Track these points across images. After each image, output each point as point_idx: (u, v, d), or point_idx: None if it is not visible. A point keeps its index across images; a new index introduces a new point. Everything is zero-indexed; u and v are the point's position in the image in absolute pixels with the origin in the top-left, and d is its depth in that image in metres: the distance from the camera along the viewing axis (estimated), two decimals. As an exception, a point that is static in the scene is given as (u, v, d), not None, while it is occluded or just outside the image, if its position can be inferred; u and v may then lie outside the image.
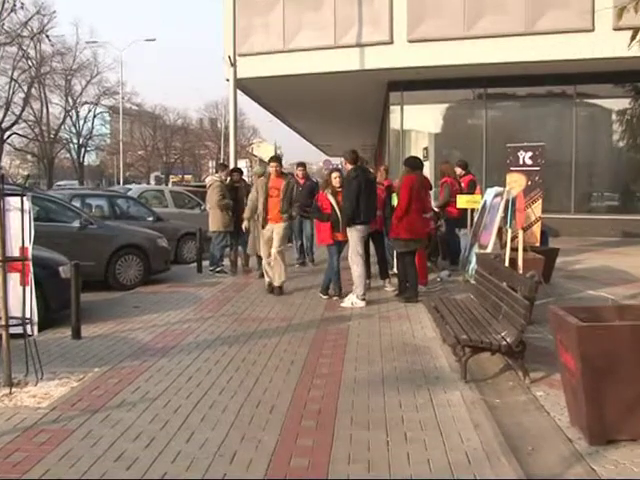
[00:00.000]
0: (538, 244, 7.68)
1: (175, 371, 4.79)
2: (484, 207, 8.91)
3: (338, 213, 7.65)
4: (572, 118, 15.20)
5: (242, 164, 27.29)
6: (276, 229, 8.13)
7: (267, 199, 8.15)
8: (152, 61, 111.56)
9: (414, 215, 7.49)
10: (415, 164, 7.82)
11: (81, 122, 42.89)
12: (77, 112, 42.51)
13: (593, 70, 13.90)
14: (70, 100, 40.78)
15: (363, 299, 7.46)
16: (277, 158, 8.73)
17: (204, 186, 13.37)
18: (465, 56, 13.65)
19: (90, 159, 51.49)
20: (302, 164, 11.23)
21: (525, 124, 15.48)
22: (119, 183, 39.65)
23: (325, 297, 7.88)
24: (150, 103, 62.00)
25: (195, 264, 10.59)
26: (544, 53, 13.15)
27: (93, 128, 44.67)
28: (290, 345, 5.60)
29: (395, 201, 8.10)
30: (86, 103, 42.39)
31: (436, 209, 10.09)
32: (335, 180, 7.82)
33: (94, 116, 44.15)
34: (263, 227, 8.14)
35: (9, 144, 37.26)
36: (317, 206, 7.98)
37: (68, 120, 41.67)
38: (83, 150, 43.31)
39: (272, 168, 8.43)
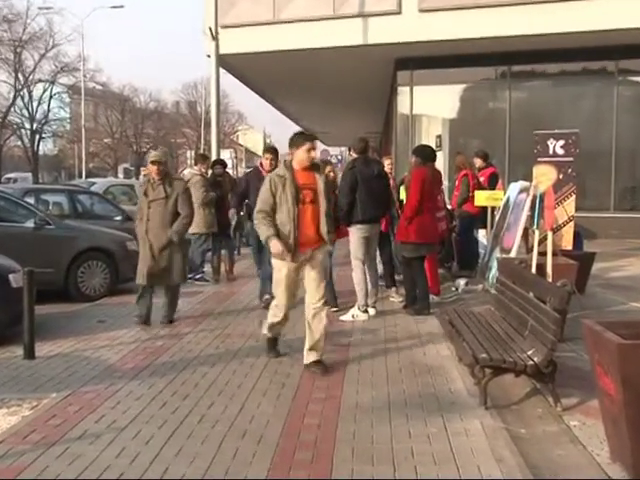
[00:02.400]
0: (570, 247, 7.70)
1: (147, 396, 4.77)
2: (507, 205, 8.93)
3: (331, 211, 7.73)
4: (613, 99, 15.19)
5: (226, 155, 27.33)
6: (315, 260, 5.47)
7: (296, 207, 5.34)
8: (119, 32, 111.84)
9: (426, 215, 7.51)
10: (427, 154, 7.84)
11: (34, 104, 42.51)
12: (29, 92, 42.23)
13: (639, 42, 13.80)
14: (20, 77, 40.45)
15: (365, 311, 7.47)
16: (311, 137, 5.71)
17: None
18: (486, 28, 13.62)
19: (46, 148, 51.46)
20: (272, 149, 8.65)
21: (556, 107, 15.52)
22: (81, 176, 39.59)
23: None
24: (117, 82, 61.90)
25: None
26: (579, 22, 13.04)
27: (49, 111, 44.22)
28: (281, 365, 5.59)
29: (403, 196, 8.12)
30: (40, 81, 42.13)
31: (450, 207, 10.12)
32: (328, 174, 7.90)
33: (50, 97, 43.81)
34: (293, 258, 5.35)
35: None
36: None
37: (19, 101, 41.32)
38: (37, 137, 43.02)
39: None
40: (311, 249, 5.40)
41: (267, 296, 7.63)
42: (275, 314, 5.58)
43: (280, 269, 5.40)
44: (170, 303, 7.31)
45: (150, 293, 7.23)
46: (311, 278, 5.43)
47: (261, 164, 8.34)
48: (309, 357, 5.45)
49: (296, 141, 5.41)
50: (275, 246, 5.23)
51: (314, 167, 5.48)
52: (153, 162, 7.10)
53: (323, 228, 5.41)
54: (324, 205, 5.39)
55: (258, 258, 8.40)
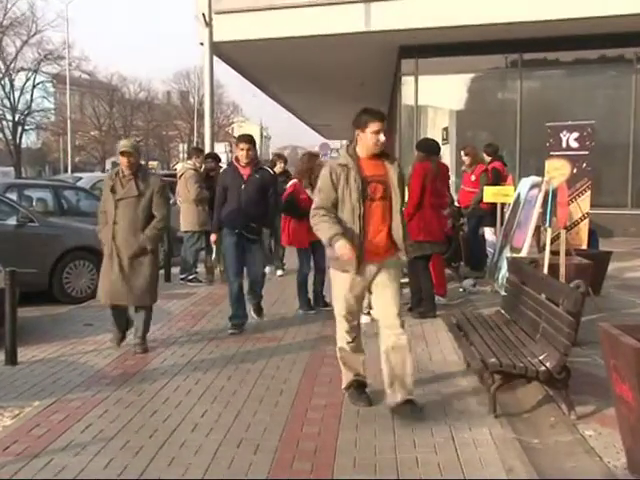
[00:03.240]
0: (585, 246, 7.70)
1: (137, 404, 4.77)
2: (517, 201, 8.94)
3: None
4: (631, 89, 15.16)
5: (220, 148, 27.30)
6: (388, 273, 4.56)
7: (363, 205, 4.45)
8: (107, 18, 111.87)
9: (429, 212, 7.50)
10: (430, 148, 7.82)
11: (16, 94, 42.47)
12: (11, 81, 42.29)
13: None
14: (1, 65, 40.51)
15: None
16: (379, 115, 4.59)
17: (174, 175, 13.37)
18: (496, 13, 13.57)
19: (29, 140, 51.46)
20: (246, 138, 7.10)
21: (570, 98, 15.52)
22: (66, 171, 39.64)
23: (311, 312, 7.90)
24: (105, 71, 61.82)
25: (162, 271, 10.56)
26: (595, 7, 12.97)
27: (32, 101, 44.15)
28: (279, 371, 5.60)
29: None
30: (22, 70, 42.20)
31: (457, 204, 10.10)
32: (318, 168, 7.80)
33: (33, 86, 43.78)
34: (357, 269, 4.46)
35: None
36: (292, 200, 7.84)
37: (0, 91, 41.41)
38: (20, 129, 43.02)
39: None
40: (381, 260, 4.45)
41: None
42: (343, 336, 4.72)
43: (340, 284, 4.49)
44: (143, 326, 6.33)
45: (123, 312, 6.43)
46: (384, 297, 4.51)
47: (236, 159, 7.02)
48: (394, 397, 4.48)
49: (361, 120, 4.45)
50: (343, 247, 4.26)
51: (384, 154, 4.54)
52: (123, 153, 6.12)
53: (397, 232, 4.48)
54: (398, 202, 4.46)
55: (233, 269, 7.09)
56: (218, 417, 4.51)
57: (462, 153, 10.42)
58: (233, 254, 6.98)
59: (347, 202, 4.42)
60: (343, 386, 4.85)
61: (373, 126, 4.42)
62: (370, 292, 4.63)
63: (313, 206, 4.53)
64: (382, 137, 4.42)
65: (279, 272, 10.65)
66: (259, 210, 6.89)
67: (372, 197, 4.44)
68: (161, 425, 4.36)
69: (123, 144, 6.29)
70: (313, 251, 7.85)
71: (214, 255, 9.82)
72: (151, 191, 6.12)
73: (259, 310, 7.52)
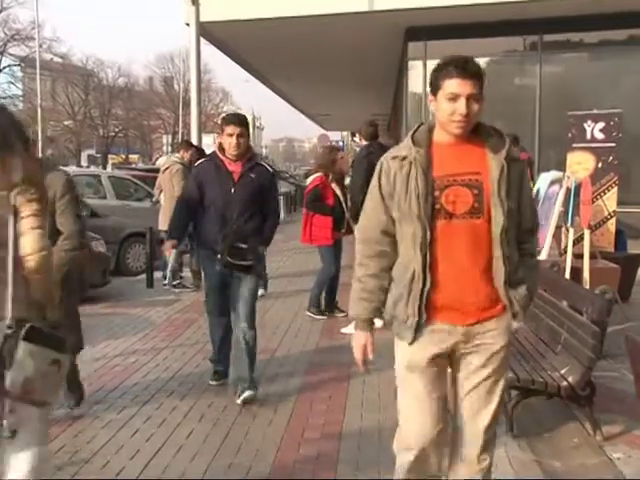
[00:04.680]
0: (612, 249, 7.70)
1: (116, 422, 4.77)
2: (536, 198, 8.93)
3: (344, 206, 7.91)
4: (664, 74, 15.13)
5: (209, 140, 27.27)
6: (485, 348, 2.95)
7: (428, 227, 2.87)
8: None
9: None
10: None
11: (-20, 78, 42.81)
12: (-26, 64, 42.40)
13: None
14: (-38, 46, 40.57)
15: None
16: (471, 64, 2.88)
17: (157, 170, 13.38)
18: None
19: (-4, 131, 51.36)
20: (237, 119, 5.42)
21: (595, 84, 15.50)
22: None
23: (319, 317, 8.02)
24: (80, 54, 62.27)
25: (144, 276, 10.56)
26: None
27: (-2, 87, 44.51)
28: (273, 386, 5.61)
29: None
30: (-14, 52, 42.28)
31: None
32: (343, 161, 8.13)
33: (-1, 70, 44.06)
34: (416, 337, 2.97)
35: None
36: (318, 194, 8.13)
37: (-39, 75, 41.52)
38: (-15, 118, 43.12)
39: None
40: (470, 322, 2.87)
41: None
42: (402, 447, 3.03)
43: (399, 359, 3.03)
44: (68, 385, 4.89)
45: None
46: (470, 397, 2.96)
47: (221, 149, 5.38)
48: None
49: (436, 78, 2.83)
50: (356, 342, 3.05)
51: (485, 135, 2.91)
52: None
53: (499, 274, 2.84)
54: (502, 222, 2.80)
55: (216, 309, 5.65)
56: (205, 438, 4.50)
57: None
58: (215, 288, 5.52)
59: (406, 224, 2.86)
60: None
61: (450, 85, 2.76)
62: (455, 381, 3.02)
63: (357, 234, 3.11)
64: (476, 105, 2.78)
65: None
66: (254, 224, 5.34)
67: (449, 212, 2.80)
68: (143, 446, 4.36)
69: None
70: (336, 249, 8.15)
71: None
72: (52, 195, 4.32)
73: (250, 389, 5.30)
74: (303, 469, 4.01)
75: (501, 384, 2.95)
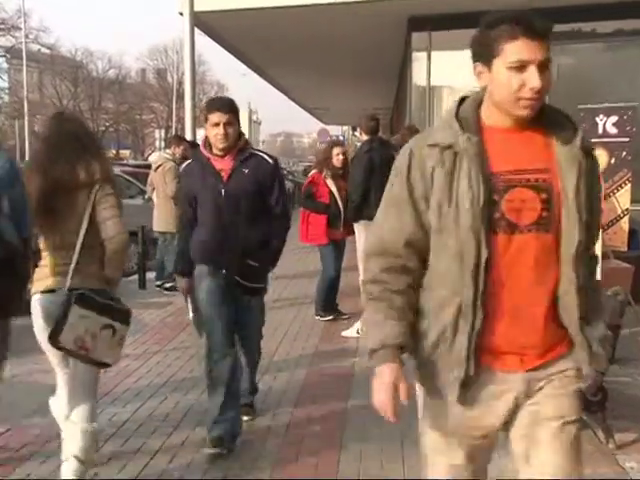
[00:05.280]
0: (625, 248, 7.69)
1: (106, 431, 4.75)
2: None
3: (339, 204, 7.85)
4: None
5: (203, 134, 27.37)
6: (555, 399, 2.32)
7: (484, 242, 2.15)
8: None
9: None
10: None
11: (-37, 70, 42.77)
12: (-43, 55, 42.41)
13: None
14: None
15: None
16: (541, 25, 2.16)
17: (149, 166, 13.36)
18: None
19: (-21, 124, 51.42)
20: (223, 104, 4.54)
21: (608, 75, 15.47)
22: (23, 159, 39.56)
23: (325, 319, 8.05)
24: (68, 45, 62.30)
25: (136, 277, 10.56)
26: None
27: (-19, 80, 44.56)
28: (271, 391, 5.60)
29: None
30: (-31, 43, 42.26)
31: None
32: (337, 158, 8.05)
33: (-17, 62, 44.08)
34: (465, 388, 2.23)
35: None
36: (311, 192, 8.15)
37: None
38: (-32, 111, 43.20)
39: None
40: (530, 367, 2.24)
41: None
42: None
43: (431, 420, 2.43)
44: None
45: None
46: (539, 463, 2.34)
47: (206, 144, 4.57)
48: None
49: (495, 37, 2.20)
50: (382, 381, 2.25)
51: (552, 118, 2.25)
52: None
53: (571, 306, 2.22)
54: (577, 235, 2.17)
55: (219, 340, 4.56)
56: (201, 443, 4.49)
57: None
58: (217, 312, 4.53)
59: (449, 236, 2.17)
60: None
61: (515, 49, 2.10)
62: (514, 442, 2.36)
63: (365, 249, 2.41)
64: (542, 79, 2.11)
65: None
66: (257, 233, 4.53)
67: (512, 223, 2.15)
68: (134, 456, 4.36)
69: None
70: (336, 249, 8.13)
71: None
72: None
73: (249, 410, 5.05)
74: (303, 476, 4.01)
75: (571, 443, 2.41)
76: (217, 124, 4.35)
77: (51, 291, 3.57)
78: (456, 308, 2.15)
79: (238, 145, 4.48)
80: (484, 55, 2.23)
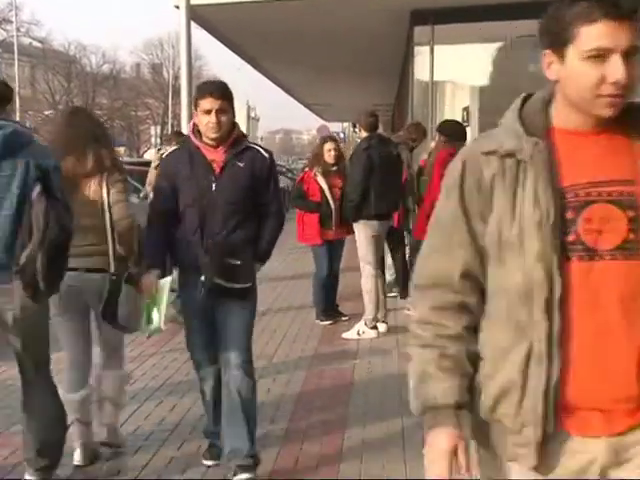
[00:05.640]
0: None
1: (97, 435, 4.76)
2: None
3: (330, 202, 7.84)
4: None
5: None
6: None
7: (563, 274, 1.77)
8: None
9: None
10: (457, 132, 7.86)
11: (-48, 64, 42.74)
12: (-55, 49, 42.36)
13: None
14: None
15: (374, 327, 7.50)
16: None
17: (146, 163, 13.38)
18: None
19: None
20: (215, 89, 4.15)
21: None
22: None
23: (324, 323, 8.05)
24: (61, 39, 62.16)
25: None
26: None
27: (-29, 74, 44.47)
28: (269, 395, 5.61)
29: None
30: (-41, 36, 42.23)
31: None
32: (329, 154, 7.99)
33: (-28, 56, 44.02)
34: (541, 458, 1.83)
35: None
36: (301, 190, 8.14)
37: None
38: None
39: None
40: (618, 430, 1.78)
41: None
42: None
43: None
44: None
45: None
46: None
47: (196, 131, 4.17)
48: None
49: (569, 19, 1.77)
50: (438, 449, 1.93)
51: (631, 116, 1.82)
52: None
53: None
54: None
55: (201, 354, 4.39)
56: (198, 449, 4.50)
57: None
58: (198, 326, 4.27)
59: (512, 265, 1.81)
60: None
61: (594, 34, 1.73)
62: None
63: (416, 279, 2.00)
64: (634, 67, 1.73)
65: None
66: (247, 232, 4.18)
67: (590, 247, 1.79)
68: (131, 457, 4.38)
69: None
70: (330, 250, 8.06)
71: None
72: None
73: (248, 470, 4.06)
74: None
75: None
76: (209, 111, 3.98)
77: (73, 269, 3.89)
78: (526, 351, 1.75)
79: (233, 135, 4.11)
80: (555, 42, 1.83)
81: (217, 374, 4.26)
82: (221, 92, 4.06)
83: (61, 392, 4.00)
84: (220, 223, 4.05)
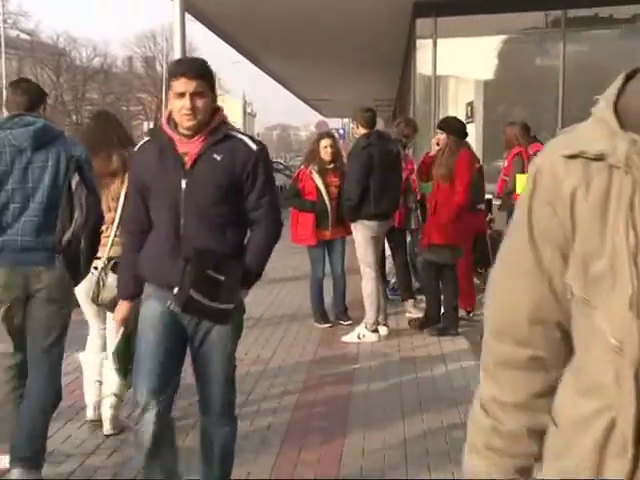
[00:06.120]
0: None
1: (89, 442, 4.78)
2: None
3: (326, 201, 7.82)
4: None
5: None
6: None
7: None
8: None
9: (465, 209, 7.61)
10: (463, 131, 7.93)
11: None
12: None
13: None
14: None
15: (375, 330, 7.49)
16: None
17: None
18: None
19: (-44, 116, 51.29)
20: (190, 67, 3.52)
21: (626, 64, 15.34)
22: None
23: (322, 326, 8.04)
24: (49, 31, 61.86)
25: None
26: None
27: (-44, 67, 44.41)
28: (266, 400, 5.61)
29: (428, 189, 8.08)
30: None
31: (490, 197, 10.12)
32: (325, 151, 7.95)
33: (-43, 48, 43.93)
34: None
35: None
36: (296, 189, 8.12)
37: None
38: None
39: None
40: None
41: None
42: None
43: None
44: None
45: None
46: None
47: (170, 120, 3.53)
48: None
49: None
50: None
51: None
52: None
53: None
54: None
55: (148, 379, 3.63)
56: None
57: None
58: (154, 342, 3.58)
59: (600, 311, 1.24)
60: None
61: None
62: None
63: (485, 326, 1.52)
64: None
65: None
66: (231, 241, 3.58)
67: None
68: (119, 470, 4.37)
69: None
70: (328, 250, 8.07)
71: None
72: None
73: None
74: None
75: None
76: (182, 94, 3.35)
77: (97, 258, 4.46)
78: (605, 427, 1.24)
79: (212, 123, 3.48)
80: None
81: (166, 414, 3.66)
82: (197, 71, 3.41)
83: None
84: (196, 228, 3.46)
